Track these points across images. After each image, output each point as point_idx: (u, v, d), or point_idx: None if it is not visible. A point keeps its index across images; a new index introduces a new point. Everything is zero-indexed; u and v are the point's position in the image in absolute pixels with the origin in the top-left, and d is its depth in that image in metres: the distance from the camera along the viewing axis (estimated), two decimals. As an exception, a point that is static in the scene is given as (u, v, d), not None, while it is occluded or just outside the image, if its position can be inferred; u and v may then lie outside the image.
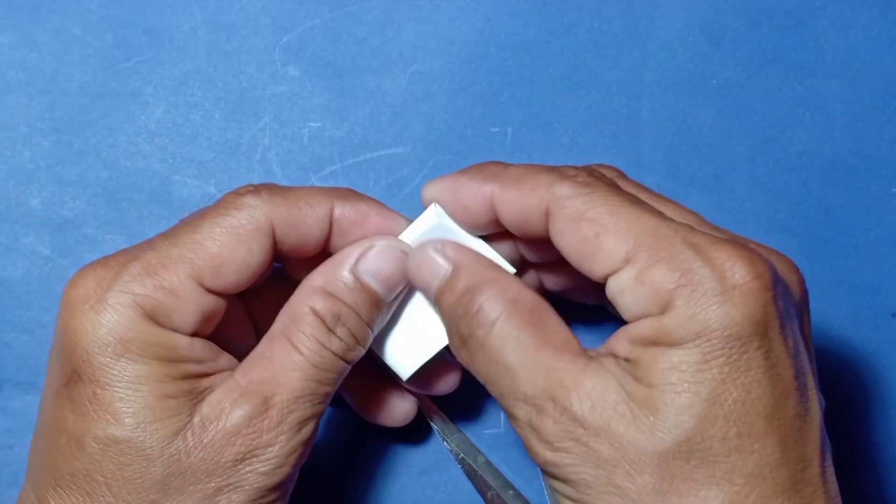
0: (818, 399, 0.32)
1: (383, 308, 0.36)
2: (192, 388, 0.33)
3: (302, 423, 0.34)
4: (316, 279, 0.35)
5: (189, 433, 0.32)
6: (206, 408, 0.33)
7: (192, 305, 0.34)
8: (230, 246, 0.34)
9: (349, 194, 0.37)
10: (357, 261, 0.35)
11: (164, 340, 0.33)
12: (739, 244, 0.31)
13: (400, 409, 0.41)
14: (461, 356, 0.35)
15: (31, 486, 0.34)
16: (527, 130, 0.46)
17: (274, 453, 0.33)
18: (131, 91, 0.45)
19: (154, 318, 0.33)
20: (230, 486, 0.32)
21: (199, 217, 0.35)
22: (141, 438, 0.32)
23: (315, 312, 0.34)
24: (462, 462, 0.43)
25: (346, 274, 0.35)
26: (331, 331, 0.34)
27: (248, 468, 0.33)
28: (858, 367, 0.46)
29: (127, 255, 0.34)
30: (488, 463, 0.44)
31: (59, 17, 0.45)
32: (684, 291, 0.30)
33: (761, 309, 0.30)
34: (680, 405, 0.30)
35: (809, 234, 0.46)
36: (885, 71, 0.47)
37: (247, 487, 0.33)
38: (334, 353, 0.34)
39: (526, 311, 0.33)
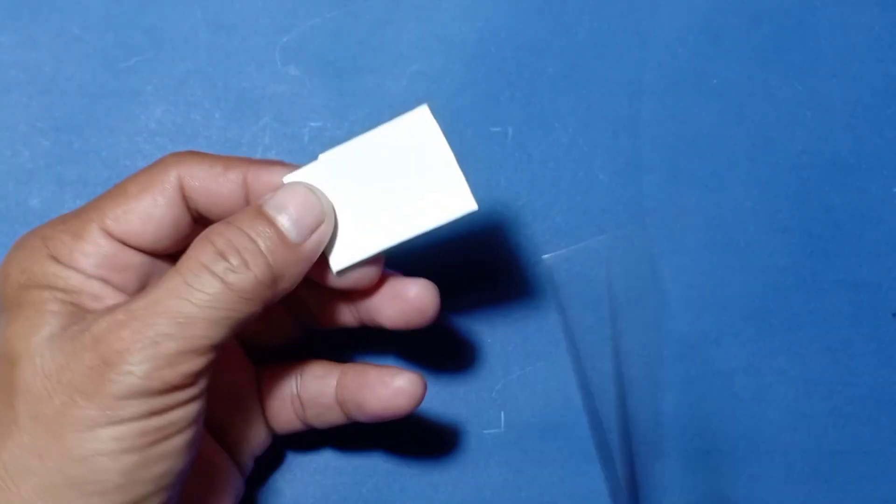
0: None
1: (292, 248, 0.35)
2: (76, 311, 0.34)
3: (164, 338, 0.32)
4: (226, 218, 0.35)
5: (54, 340, 0.33)
6: (76, 322, 0.33)
7: (91, 246, 0.35)
8: (137, 196, 0.36)
9: (268, 162, 0.37)
10: (265, 198, 0.35)
11: (59, 272, 0.34)
12: None
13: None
14: None
15: None
16: (527, 130, 0.46)
17: (129, 362, 0.32)
18: (131, 91, 0.45)
19: (55, 256, 0.35)
20: (85, 394, 0.32)
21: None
22: (11, 343, 0.33)
23: (208, 239, 0.34)
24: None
25: (250, 207, 0.35)
26: (219, 253, 0.33)
27: (105, 375, 0.32)
28: (858, 367, 0.46)
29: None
30: None
31: (59, 17, 0.45)
32: None
33: None
34: None
35: (809, 234, 0.46)
36: (885, 71, 0.47)
37: (103, 395, 0.31)
38: (213, 273, 0.33)
39: None
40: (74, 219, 0.36)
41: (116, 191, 0.36)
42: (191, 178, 0.36)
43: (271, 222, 0.34)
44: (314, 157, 0.45)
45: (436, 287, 0.38)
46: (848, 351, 0.46)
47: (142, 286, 0.36)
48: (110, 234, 0.35)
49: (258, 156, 0.45)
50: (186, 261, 0.33)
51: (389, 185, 0.36)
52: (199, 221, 0.37)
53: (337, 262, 0.37)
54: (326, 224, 0.36)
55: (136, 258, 0.36)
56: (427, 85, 0.46)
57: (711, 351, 0.45)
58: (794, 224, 0.46)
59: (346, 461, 0.44)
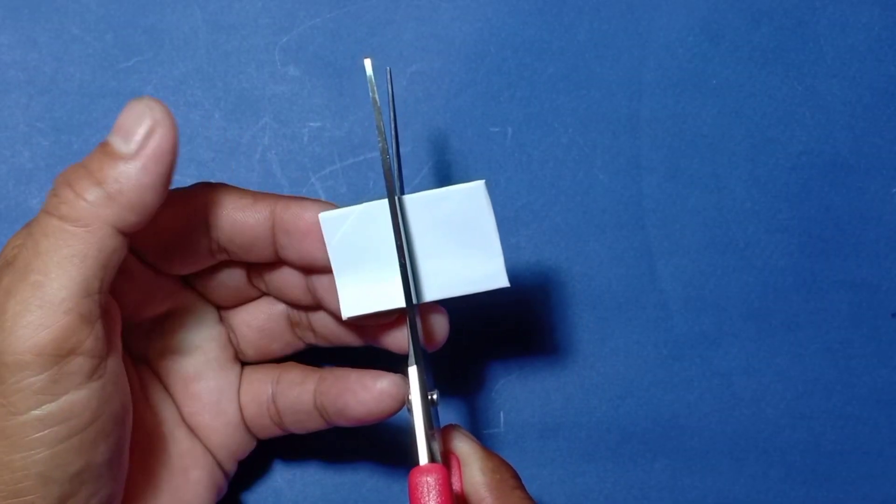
0: None
1: (123, 159, 0.33)
2: None
3: (21, 304, 0.31)
4: None
5: None
6: None
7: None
8: (156, 203, 0.33)
9: (297, 197, 0.36)
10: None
11: None
12: None
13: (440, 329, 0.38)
14: None
15: None
16: (527, 130, 0.46)
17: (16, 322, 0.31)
18: (131, 91, 0.45)
19: None
20: None
21: None
22: None
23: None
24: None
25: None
26: (53, 193, 0.32)
27: None
28: (858, 367, 0.46)
29: None
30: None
31: (59, 17, 0.45)
32: None
33: None
34: None
35: (809, 234, 0.46)
36: (885, 71, 0.47)
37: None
38: (47, 213, 0.32)
39: None
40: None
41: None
42: (218, 206, 0.36)
43: (102, 145, 0.33)
44: (314, 156, 0.46)
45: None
46: (847, 351, 0.46)
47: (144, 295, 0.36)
48: (118, 228, 0.34)
49: (257, 156, 0.45)
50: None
51: (426, 246, 0.36)
52: (219, 252, 0.37)
53: (349, 308, 0.36)
54: (163, 128, 0.33)
55: (138, 265, 0.36)
56: (427, 85, 0.46)
57: (710, 351, 0.45)
58: (793, 224, 0.46)
59: (347, 461, 0.44)
